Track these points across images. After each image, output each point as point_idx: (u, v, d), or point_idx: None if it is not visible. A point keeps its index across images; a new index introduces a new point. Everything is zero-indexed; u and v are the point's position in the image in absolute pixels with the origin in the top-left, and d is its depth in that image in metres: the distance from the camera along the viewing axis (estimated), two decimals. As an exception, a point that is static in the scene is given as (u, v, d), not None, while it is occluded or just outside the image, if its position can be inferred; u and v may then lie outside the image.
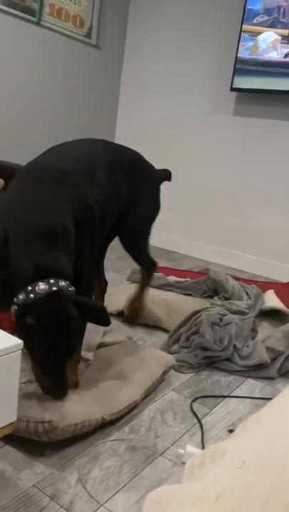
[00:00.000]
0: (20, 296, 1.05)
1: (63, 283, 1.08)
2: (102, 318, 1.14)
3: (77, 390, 1.23)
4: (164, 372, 1.46)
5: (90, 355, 1.41)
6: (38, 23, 2.77)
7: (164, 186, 3.37)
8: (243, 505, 0.48)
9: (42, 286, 1.05)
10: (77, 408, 1.14)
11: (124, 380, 1.34)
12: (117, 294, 2.01)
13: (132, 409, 1.31)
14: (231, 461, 0.54)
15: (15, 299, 1.07)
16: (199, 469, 0.59)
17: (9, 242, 1.11)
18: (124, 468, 1.09)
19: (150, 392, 1.41)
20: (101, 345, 1.50)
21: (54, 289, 1.05)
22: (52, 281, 1.06)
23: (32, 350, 1.07)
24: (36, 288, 1.05)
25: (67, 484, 1.01)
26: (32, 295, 1.04)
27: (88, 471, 1.06)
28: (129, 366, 1.41)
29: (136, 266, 2.53)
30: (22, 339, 0.89)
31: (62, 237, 1.13)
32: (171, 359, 1.51)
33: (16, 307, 1.06)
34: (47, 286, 1.05)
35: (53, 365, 1.08)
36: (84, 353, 1.38)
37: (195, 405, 1.39)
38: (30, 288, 1.05)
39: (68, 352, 1.09)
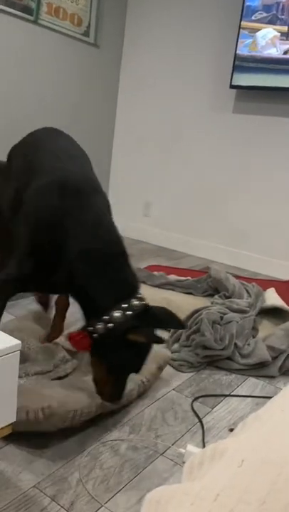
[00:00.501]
0: (116, 314, 1.06)
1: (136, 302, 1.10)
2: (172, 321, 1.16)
3: (74, 381, 1.24)
4: (160, 368, 1.45)
5: None
6: (35, 22, 2.76)
7: (165, 185, 3.37)
8: (241, 504, 0.47)
9: (135, 301, 1.09)
10: (76, 395, 1.15)
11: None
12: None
13: (131, 407, 1.30)
14: (230, 460, 0.54)
15: (105, 317, 1.07)
16: (199, 469, 0.58)
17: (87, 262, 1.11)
18: (125, 468, 1.08)
19: (147, 389, 1.40)
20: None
21: (144, 302, 1.09)
22: (139, 295, 1.11)
23: (116, 364, 1.11)
24: (132, 303, 1.08)
25: (67, 484, 1.01)
26: (130, 312, 1.07)
27: (89, 471, 1.06)
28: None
29: (135, 265, 2.52)
30: (108, 355, 1.08)
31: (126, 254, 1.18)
32: (165, 354, 1.51)
33: (111, 325, 1.07)
34: (138, 302, 1.09)
35: (125, 377, 1.14)
36: None
37: (196, 404, 1.39)
38: (125, 305, 1.08)
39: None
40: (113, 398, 1.14)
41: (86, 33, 3.11)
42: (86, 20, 3.08)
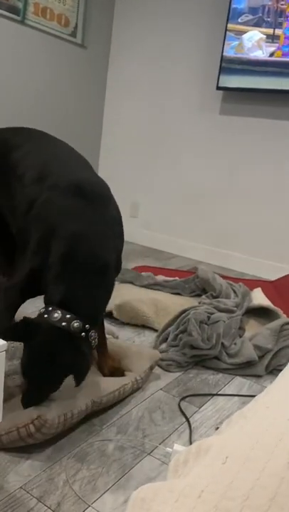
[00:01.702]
0: (42, 310, 1.09)
1: (76, 324, 1.06)
2: (81, 375, 1.10)
3: (69, 387, 1.24)
4: (151, 367, 1.46)
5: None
6: (22, 22, 2.75)
7: (152, 185, 3.38)
8: (225, 500, 0.48)
9: (56, 314, 1.06)
10: (64, 400, 1.14)
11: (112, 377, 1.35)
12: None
13: (119, 407, 1.30)
14: (215, 457, 0.54)
15: (41, 309, 1.10)
16: (184, 466, 0.58)
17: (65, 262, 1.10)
18: (112, 468, 1.08)
19: (140, 387, 1.41)
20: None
21: (63, 324, 1.06)
22: (68, 316, 1.06)
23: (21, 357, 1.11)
24: (52, 313, 1.06)
25: (54, 486, 1.01)
26: (45, 315, 1.06)
27: (76, 472, 1.06)
28: (116, 361, 1.42)
29: (123, 265, 2.52)
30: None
31: (112, 274, 1.15)
32: (156, 354, 1.52)
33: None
34: (59, 317, 1.06)
35: (28, 381, 1.10)
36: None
37: (183, 404, 1.39)
38: (50, 309, 1.07)
39: (42, 382, 1.10)
40: (23, 401, 1.13)
41: (73, 34, 3.10)
42: (73, 21, 3.08)
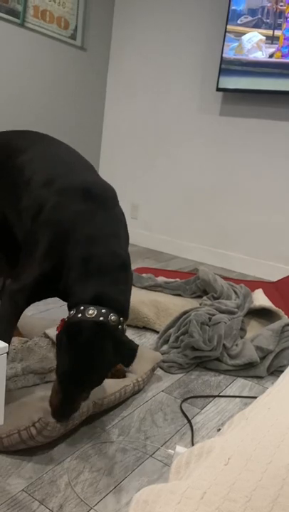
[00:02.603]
0: (72, 312, 1.08)
1: (114, 317, 1.06)
2: (130, 359, 1.10)
3: None
4: (153, 369, 1.46)
5: None
6: (22, 25, 2.76)
7: (152, 187, 3.39)
8: (228, 502, 0.48)
9: (91, 311, 1.06)
10: None
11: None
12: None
13: (121, 409, 1.30)
14: (217, 459, 0.54)
15: (70, 312, 1.09)
16: (186, 468, 0.58)
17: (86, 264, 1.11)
18: (114, 470, 1.08)
19: (141, 388, 1.41)
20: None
21: (101, 319, 1.05)
22: (103, 310, 1.06)
23: (58, 365, 1.08)
24: (86, 311, 1.05)
25: (56, 488, 1.00)
26: (80, 315, 1.05)
27: (78, 474, 1.05)
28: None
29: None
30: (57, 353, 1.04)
31: (129, 270, 1.16)
32: (158, 355, 1.52)
33: (65, 319, 1.09)
34: (95, 312, 1.05)
35: (68, 389, 1.07)
36: None
37: (185, 406, 1.39)
38: (82, 308, 1.06)
39: (88, 383, 1.08)
40: (57, 415, 1.11)
41: (73, 36, 3.11)
42: (73, 24, 3.08)
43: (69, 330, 1.05)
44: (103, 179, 1.32)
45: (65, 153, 1.35)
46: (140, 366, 1.43)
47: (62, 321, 1.10)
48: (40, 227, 1.18)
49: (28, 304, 1.19)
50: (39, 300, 1.22)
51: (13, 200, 1.30)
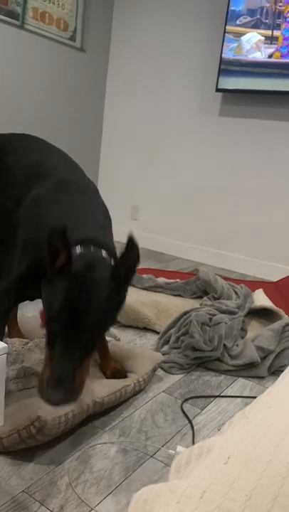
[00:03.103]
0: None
1: (104, 252, 1.00)
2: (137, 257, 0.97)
3: None
4: (154, 369, 1.46)
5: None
6: (21, 27, 2.76)
7: (153, 188, 3.39)
8: (227, 501, 0.47)
9: (78, 250, 0.98)
10: None
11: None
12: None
13: (122, 409, 1.30)
14: (216, 458, 0.54)
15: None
16: (186, 467, 0.58)
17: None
18: (115, 470, 1.08)
19: (142, 389, 1.41)
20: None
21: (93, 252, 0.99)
22: (93, 248, 0.99)
23: (47, 309, 0.94)
24: (75, 249, 0.98)
25: (57, 489, 1.00)
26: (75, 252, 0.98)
27: (78, 475, 1.05)
28: (118, 363, 1.42)
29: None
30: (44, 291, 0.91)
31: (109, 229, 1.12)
32: (159, 356, 1.52)
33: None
34: (85, 249, 0.98)
35: (63, 343, 0.88)
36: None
37: (186, 406, 1.39)
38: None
39: (88, 325, 0.90)
40: (51, 393, 0.92)
41: (72, 38, 3.11)
42: (72, 25, 3.09)
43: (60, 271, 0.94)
44: (87, 177, 1.31)
45: (52, 154, 1.34)
46: (141, 366, 1.43)
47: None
48: (17, 223, 1.17)
49: (14, 304, 1.17)
50: (25, 300, 1.19)
51: (2, 202, 1.31)
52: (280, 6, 2.65)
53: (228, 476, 0.51)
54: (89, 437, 1.18)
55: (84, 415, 1.16)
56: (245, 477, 0.50)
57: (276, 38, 2.68)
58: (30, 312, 1.83)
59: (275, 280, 2.74)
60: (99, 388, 1.24)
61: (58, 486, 1.01)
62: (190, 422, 1.30)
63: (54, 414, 1.08)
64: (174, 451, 1.12)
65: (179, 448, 1.12)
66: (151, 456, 1.14)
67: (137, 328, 1.90)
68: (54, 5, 2.94)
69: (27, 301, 1.22)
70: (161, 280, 2.28)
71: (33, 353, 1.38)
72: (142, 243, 3.46)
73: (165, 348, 1.70)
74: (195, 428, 1.28)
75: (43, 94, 3.03)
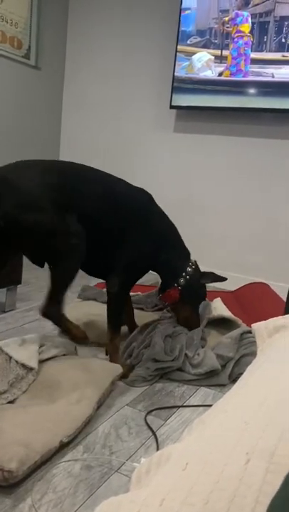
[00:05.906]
0: (189, 269, 1.80)
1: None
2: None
3: (34, 415, 1.21)
4: (113, 382, 1.46)
5: (33, 363, 1.41)
6: (-26, 45, 2.74)
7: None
8: (186, 506, 0.49)
9: (193, 261, 1.85)
10: (37, 442, 1.10)
11: (75, 394, 1.33)
12: (70, 312, 1.99)
13: (85, 426, 1.29)
14: (175, 465, 0.55)
15: (184, 274, 1.79)
16: (146, 476, 0.59)
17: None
18: (80, 488, 1.07)
19: (102, 403, 1.40)
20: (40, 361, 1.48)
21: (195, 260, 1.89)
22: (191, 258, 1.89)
23: (195, 301, 1.90)
24: (193, 262, 1.85)
25: None
26: (194, 267, 1.84)
27: (42, 496, 1.03)
28: (77, 380, 1.41)
29: (85, 282, 2.51)
30: (190, 296, 1.86)
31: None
32: (118, 368, 1.52)
33: (188, 277, 1.78)
34: (194, 260, 1.86)
35: (198, 309, 1.93)
36: (26, 361, 1.38)
37: (149, 418, 1.39)
38: (191, 264, 1.82)
39: None
40: (196, 326, 1.83)
41: (27, 56, 3.12)
42: (26, 43, 3.10)
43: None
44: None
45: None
46: (100, 379, 1.43)
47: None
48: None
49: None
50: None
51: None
52: (227, 28, 2.77)
53: (186, 482, 0.52)
54: (52, 456, 1.16)
55: (51, 454, 1.14)
56: (203, 481, 0.51)
57: (225, 58, 2.79)
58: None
59: (233, 289, 2.81)
60: (64, 425, 1.20)
61: (19, 508, 0.99)
62: (154, 433, 1.31)
63: (25, 467, 1.04)
64: (138, 464, 1.12)
65: (144, 460, 1.12)
66: (116, 471, 1.14)
67: (99, 343, 1.89)
68: (7, 23, 2.94)
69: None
70: (123, 294, 2.28)
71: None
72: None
73: (128, 361, 1.71)
74: (159, 440, 1.29)
75: (-3, 110, 3.00)
